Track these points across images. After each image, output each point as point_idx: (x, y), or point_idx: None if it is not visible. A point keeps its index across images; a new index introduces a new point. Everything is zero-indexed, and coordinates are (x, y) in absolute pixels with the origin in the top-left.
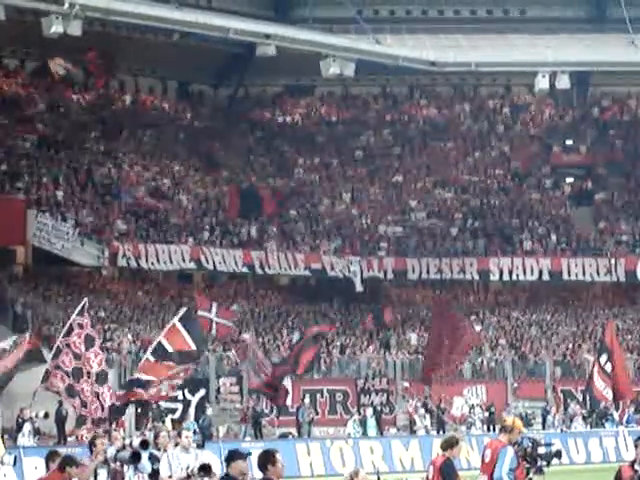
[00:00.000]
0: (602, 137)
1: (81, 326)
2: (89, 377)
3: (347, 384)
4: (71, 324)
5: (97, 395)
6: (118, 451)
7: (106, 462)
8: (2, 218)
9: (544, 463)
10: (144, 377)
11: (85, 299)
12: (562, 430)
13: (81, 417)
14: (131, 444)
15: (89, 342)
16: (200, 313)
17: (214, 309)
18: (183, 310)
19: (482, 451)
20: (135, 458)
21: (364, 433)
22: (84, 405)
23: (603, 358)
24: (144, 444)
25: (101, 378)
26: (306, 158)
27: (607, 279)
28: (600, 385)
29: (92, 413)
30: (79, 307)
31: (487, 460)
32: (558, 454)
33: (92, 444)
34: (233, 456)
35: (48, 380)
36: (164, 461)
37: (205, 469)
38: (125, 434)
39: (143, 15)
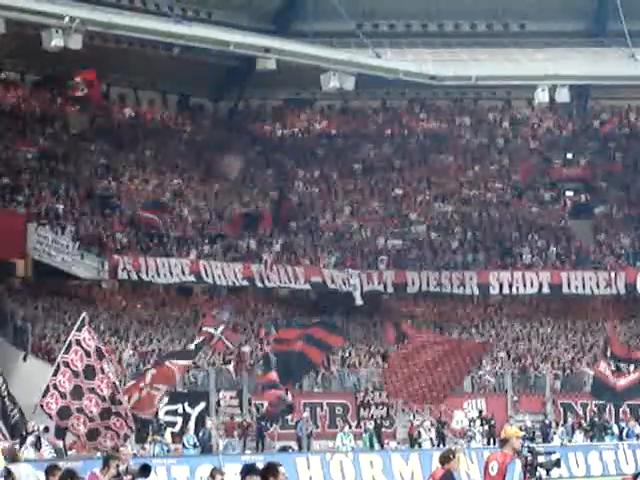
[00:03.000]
0: (602, 150)
1: (79, 342)
2: (93, 392)
3: (347, 397)
4: (70, 340)
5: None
6: (127, 466)
7: (118, 475)
8: (2, 231)
9: (544, 472)
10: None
11: (84, 314)
12: (562, 443)
13: (91, 431)
14: (127, 469)
15: (99, 355)
16: (205, 328)
17: (220, 329)
18: None
19: (485, 463)
20: (145, 471)
21: (371, 446)
22: (91, 420)
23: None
24: (145, 470)
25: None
26: (306, 171)
27: (607, 292)
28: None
29: (104, 425)
30: (78, 322)
31: (494, 473)
32: (557, 463)
33: (106, 464)
34: (249, 471)
35: (45, 398)
36: None
37: (145, 469)
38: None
39: (143, 29)
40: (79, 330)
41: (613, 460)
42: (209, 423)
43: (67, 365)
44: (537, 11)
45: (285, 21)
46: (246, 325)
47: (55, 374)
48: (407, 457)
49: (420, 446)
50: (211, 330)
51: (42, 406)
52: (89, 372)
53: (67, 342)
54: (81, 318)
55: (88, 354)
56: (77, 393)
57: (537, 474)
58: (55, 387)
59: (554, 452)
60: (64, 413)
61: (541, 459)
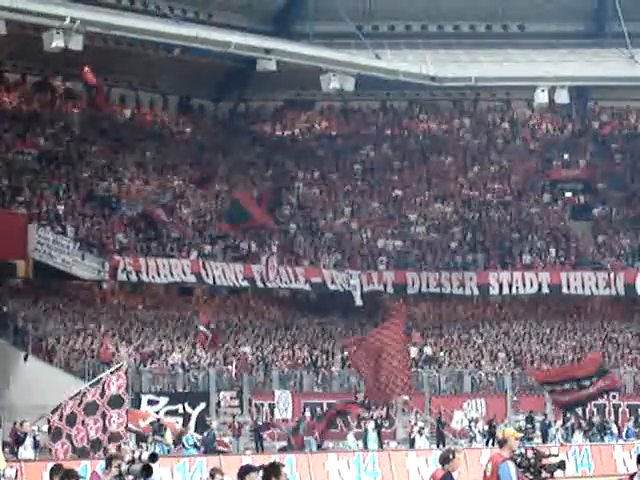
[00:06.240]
0: (601, 151)
1: (104, 382)
2: (83, 425)
3: (347, 398)
4: (101, 378)
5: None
6: (129, 465)
7: (120, 476)
8: (3, 232)
9: (547, 475)
10: None
11: (124, 362)
12: (562, 444)
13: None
14: (140, 457)
15: (111, 402)
16: (201, 328)
17: (212, 326)
18: None
19: (485, 464)
20: (146, 471)
21: (365, 446)
22: (74, 450)
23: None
24: (153, 457)
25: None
26: (306, 172)
27: (606, 293)
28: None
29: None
30: (115, 366)
31: (488, 474)
32: (562, 465)
33: (108, 463)
34: (247, 470)
35: (54, 415)
36: None
37: (147, 469)
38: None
39: (144, 30)
40: (112, 373)
41: (613, 461)
42: (214, 424)
43: (84, 395)
44: (536, 12)
45: (285, 22)
46: (247, 325)
47: (72, 398)
48: (406, 457)
49: (415, 446)
50: (205, 330)
51: (49, 420)
52: (91, 408)
53: (97, 378)
54: (120, 364)
55: (102, 395)
56: (71, 420)
57: (541, 476)
58: (63, 407)
59: (557, 454)
60: (56, 434)
61: (545, 461)
